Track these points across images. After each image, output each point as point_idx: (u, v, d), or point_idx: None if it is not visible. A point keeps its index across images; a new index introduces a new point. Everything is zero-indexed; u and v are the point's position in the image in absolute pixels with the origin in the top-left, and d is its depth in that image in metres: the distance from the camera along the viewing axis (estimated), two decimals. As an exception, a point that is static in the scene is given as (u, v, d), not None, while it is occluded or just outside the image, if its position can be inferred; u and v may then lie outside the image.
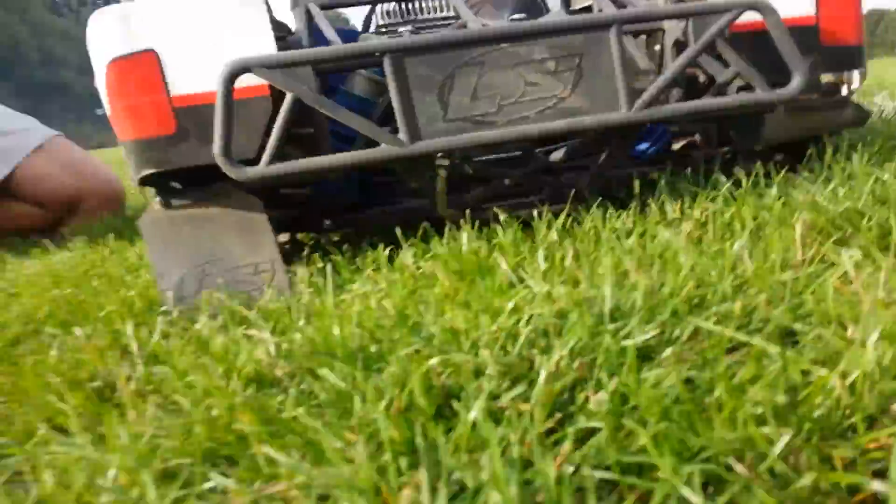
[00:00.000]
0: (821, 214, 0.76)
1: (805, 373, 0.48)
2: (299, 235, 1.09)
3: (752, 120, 0.99)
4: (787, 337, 0.59)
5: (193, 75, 0.81)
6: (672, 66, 0.85)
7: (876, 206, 0.80)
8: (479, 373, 0.54)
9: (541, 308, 0.62)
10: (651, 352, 0.56)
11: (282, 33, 0.92)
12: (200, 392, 0.62)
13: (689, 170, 1.03)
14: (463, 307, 0.71)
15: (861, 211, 0.77)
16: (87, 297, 0.96)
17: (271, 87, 0.81)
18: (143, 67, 0.80)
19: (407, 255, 0.90)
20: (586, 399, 0.49)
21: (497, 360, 0.55)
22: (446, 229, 0.91)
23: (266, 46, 0.81)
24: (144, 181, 0.87)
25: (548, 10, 1.46)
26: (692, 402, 0.46)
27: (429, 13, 1.28)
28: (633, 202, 0.94)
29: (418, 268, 0.87)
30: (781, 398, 0.44)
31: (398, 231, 0.92)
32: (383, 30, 1.24)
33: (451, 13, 1.20)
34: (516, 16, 1.12)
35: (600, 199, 0.98)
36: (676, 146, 1.17)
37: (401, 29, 1.10)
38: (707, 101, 0.85)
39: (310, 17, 1.03)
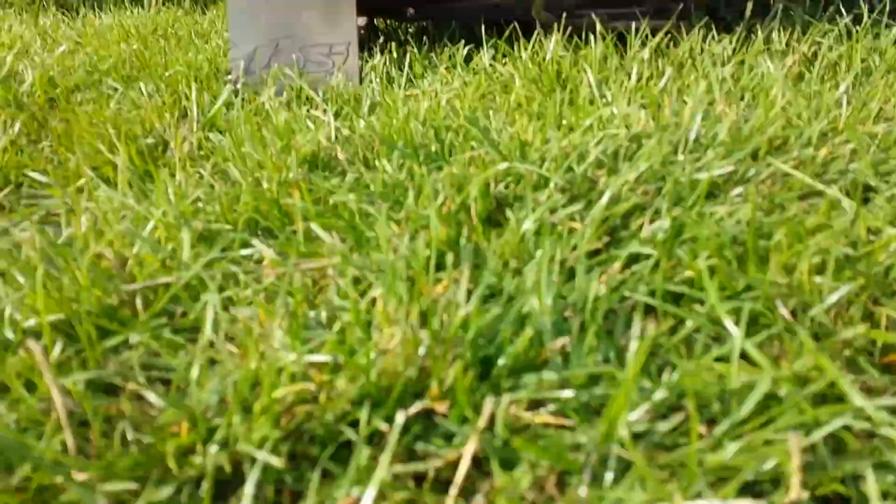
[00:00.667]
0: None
1: (872, 231, 0.45)
2: (377, 21, 1.04)
3: None
4: (865, 191, 0.54)
5: None
6: None
7: None
8: (539, 187, 0.52)
9: (616, 129, 0.58)
10: (721, 189, 0.52)
11: None
12: (253, 163, 0.61)
13: None
14: (535, 118, 0.67)
15: None
16: (153, 56, 0.94)
17: None
18: None
19: (485, 56, 0.85)
20: (640, 226, 0.47)
21: (561, 176, 0.53)
22: (535, 34, 0.85)
23: None
24: None
25: None
26: (751, 242, 0.43)
27: None
28: (741, 26, 0.87)
29: (495, 70, 0.83)
30: (842, 251, 0.41)
31: (482, 28, 0.87)
32: None
33: None
34: None
35: (706, 18, 0.90)
36: None
37: None
38: None
39: None
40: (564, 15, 0.87)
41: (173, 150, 0.66)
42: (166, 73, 0.83)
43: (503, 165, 0.50)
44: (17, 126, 0.72)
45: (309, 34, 0.85)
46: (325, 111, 0.72)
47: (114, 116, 0.70)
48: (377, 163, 0.59)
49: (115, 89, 0.82)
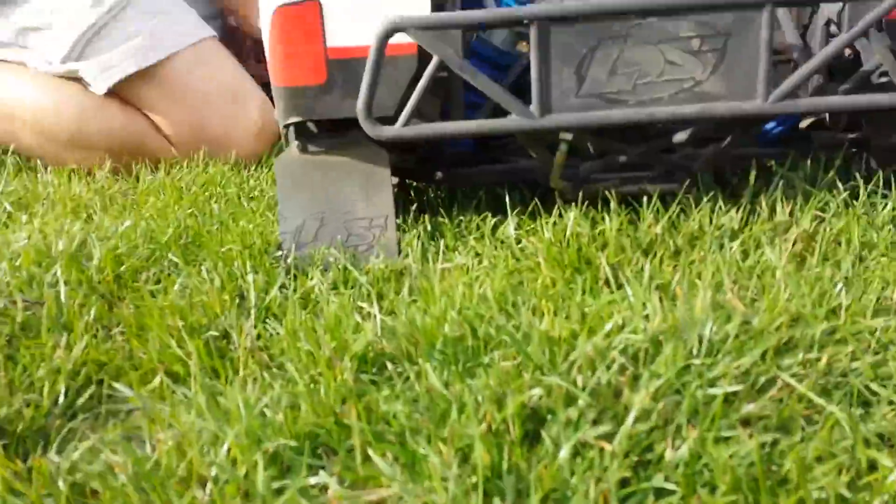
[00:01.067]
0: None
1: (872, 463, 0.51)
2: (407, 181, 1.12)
3: (889, 114, 0.95)
4: (870, 393, 0.60)
5: (350, 28, 0.84)
6: (817, 56, 0.81)
7: None
8: (569, 398, 0.58)
9: (635, 332, 0.64)
10: (735, 397, 0.59)
11: None
12: (309, 360, 0.69)
13: (809, 159, 1.00)
14: (560, 305, 0.74)
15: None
16: (207, 224, 1.03)
17: (419, 47, 0.83)
18: (307, 16, 0.83)
19: (510, 227, 0.93)
20: (664, 449, 0.53)
21: (587, 381, 0.59)
22: (555, 206, 0.93)
23: (422, 7, 0.83)
24: (288, 126, 0.91)
25: None
26: (764, 473, 0.49)
27: None
28: (745, 191, 0.94)
29: (518, 241, 0.91)
30: (844, 490, 0.47)
31: (506, 199, 0.95)
32: None
33: None
34: None
35: (711, 182, 0.97)
36: (804, 124, 1.13)
37: None
38: (847, 99, 0.82)
39: None
40: (579, 182, 0.95)
41: (236, 343, 0.74)
42: (221, 250, 0.91)
43: (536, 391, 0.57)
44: (91, 313, 0.80)
45: (351, 208, 0.94)
46: (370, 299, 0.79)
47: (180, 307, 0.78)
48: (419, 360, 0.66)
49: (176, 265, 0.91)
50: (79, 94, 1.35)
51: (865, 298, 0.70)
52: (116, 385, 0.68)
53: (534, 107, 0.81)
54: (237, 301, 0.81)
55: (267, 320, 0.78)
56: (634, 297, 0.72)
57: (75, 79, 1.34)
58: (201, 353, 0.71)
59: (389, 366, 0.66)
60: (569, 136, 0.87)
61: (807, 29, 0.98)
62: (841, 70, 0.96)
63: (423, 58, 0.83)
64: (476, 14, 0.82)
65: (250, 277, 0.83)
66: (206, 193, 1.17)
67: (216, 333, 0.75)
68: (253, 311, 0.78)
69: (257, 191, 1.19)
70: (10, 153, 1.42)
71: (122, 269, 0.89)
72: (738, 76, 0.80)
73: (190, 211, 1.08)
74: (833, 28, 0.88)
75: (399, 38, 0.80)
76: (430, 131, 0.84)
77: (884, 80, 0.86)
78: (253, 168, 1.33)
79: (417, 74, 0.84)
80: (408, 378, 0.65)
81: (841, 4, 0.84)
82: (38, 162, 1.38)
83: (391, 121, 0.84)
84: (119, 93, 1.35)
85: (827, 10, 0.89)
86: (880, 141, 0.98)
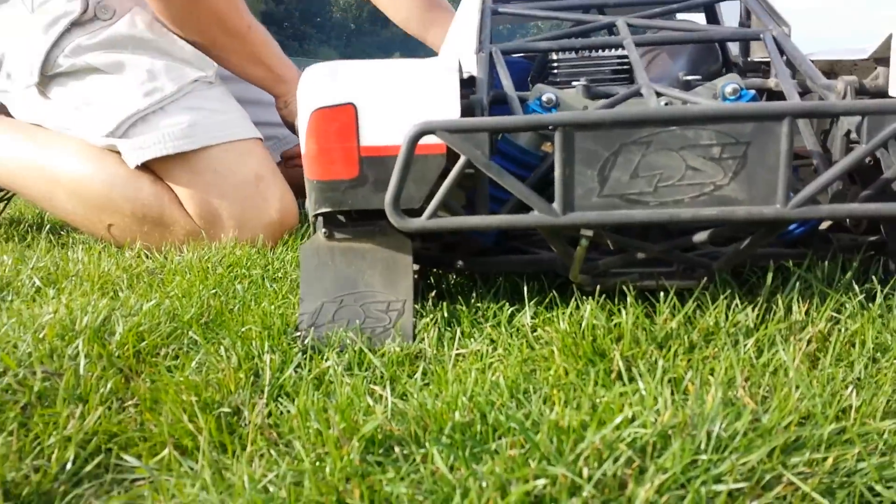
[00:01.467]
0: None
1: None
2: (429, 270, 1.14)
3: None
4: (872, 495, 0.59)
5: (382, 129, 0.89)
6: (836, 166, 0.83)
7: None
8: (573, 488, 0.58)
9: (644, 426, 0.64)
10: (739, 493, 0.58)
11: (466, 90, 0.98)
12: (317, 439, 0.69)
13: (827, 260, 1.01)
14: (571, 394, 0.74)
15: None
16: (230, 302, 1.05)
17: (448, 146, 0.86)
18: (342, 118, 0.88)
19: (526, 316, 0.94)
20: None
21: (593, 479, 0.59)
22: (572, 298, 0.94)
23: (451, 112, 0.88)
24: (318, 216, 0.95)
25: (724, 56, 1.44)
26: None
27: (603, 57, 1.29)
28: (762, 290, 0.94)
29: (534, 330, 0.91)
30: None
31: (524, 288, 0.96)
32: (555, 67, 1.27)
33: (626, 58, 1.20)
34: (690, 77, 1.11)
35: (729, 279, 0.98)
36: (824, 225, 1.14)
37: (574, 83, 1.12)
38: (865, 206, 0.83)
39: (492, 64, 1.08)
40: (599, 276, 0.97)
41: (247, 419, 0.74)
42: (241, 329, 0.93)
43: (541, 480, 0.57)
44: (108, 386, 0.81)
45: (370, 291, 0.96)
46: (382, 381, 0.80)
47: (195, 383, 0.79)
48: (427, 444, 0.66)
49: (196, 342, 0.92)
50: (115, 164, 1.48)
51: (876, 400, 0.70)
52: (125, 456, 0.69)
53: (557, 204, 0.83)
54: (252, 379, 0.82)
55: (280, 398, 0.79)
56: (646, 390, 0.72)
57: (114, 150, 1.43)
58: (211, 428, 0.71)
59: (396, 448, 0.66)
60: (590, 233, 0.88)
61: (827, 134, 1.00)
62: (861, 175, 0.98)
63: (452, 156, 0.86)
64: (504, 120, 0.85)
65: (266, 357, 0.84)
66: (231, 274, 1.20)
67: (228, 410, 0.75)
68: (266, 389, 0.79)
69: (280, 273, 1.21)
70: (44, 230, 1.48)
71: (143, 344, 0.91)
72: (758, 182, 0.82)
73: (214, 291, 1.10)
74: (853, 135, 0.90)
75: (429, 139, 0.84)
76: (454, 224, 0.86)
77: None
78: (279, 251, 1.36)
79: (445, 171, 0.87)
80: (414, 461, 0.65)
81: (861, 116, 0.86)
82: (70, 239, 1.44)
83: (417, 213, 0.86)
84: (151, 167, 1.44)
85: (847, 122, 0.91)
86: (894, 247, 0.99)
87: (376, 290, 0.95)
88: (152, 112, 1.43)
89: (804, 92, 1.04)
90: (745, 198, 0.83)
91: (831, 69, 1.10)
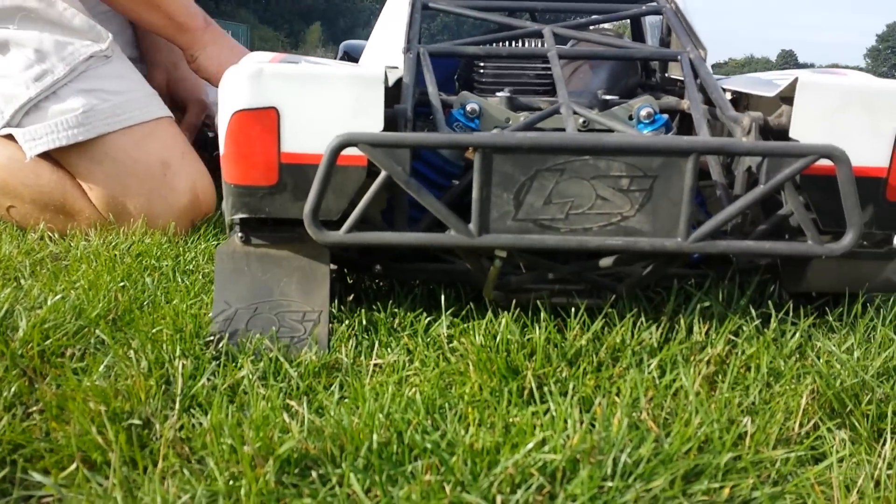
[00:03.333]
0: (829, 388, 0.80)
1: None
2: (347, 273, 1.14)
3: (798, 261, 1.02)
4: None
5: (304, 136, 0.88)
6: (735, 204, 0.87)
7: (885, 378, 0.84)
8: (486, 516, 0.60)
9: (555, 444, 0.67)
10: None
11: (392, 91, 0.98)
12: (230, 456, 0.69)
13: (726, 279, 1.06)
14: (485, 413, 0.76)
15: (869, 384, 0.81)
16: (139, 297, 1.03)
17: (369, 160, 0.86)
18: (264, 122, 0.86)
19: (442, 326, 0.95)
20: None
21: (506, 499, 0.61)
22: (487, 314, 0.96)
23: (375, 124, 0.88)
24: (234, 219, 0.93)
25: (645, 70, 1.48)
26: None
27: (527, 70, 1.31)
28: (665, 309, 0.99)
29: (450, 341, 0.93)
30: None
31: (441, 297, 0.98)
32: (481, 71, 1.28)
33: (549, 71, 1.23)
34: (608, 97, 1.15)
35: (635, 299, 1.02)
36: None
37: (498, 93, 1.13)
38: (759, 244, 0.87)
39: (419, 64, 1.07)
40: (511, 292, 0.99)
41: (158, 432, 0.73)
42: (152, 331, 0.91)
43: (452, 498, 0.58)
44: (11, 389, 0.78)
45: (286, 300, 0.95)
46: (298, 395, 0.80)
47: (104, 390, 0.77)
48: (344, 465, 0.67)
49: (103, 342, 0.90)
50: (13, 150, 1.38)
51: (769, 428, 0.75)
52: (31, 472, 0.67)
53: (473, 225, 0.84)
54: (163, 387, 0.81)
55: (192, 409, 0.78)
56: (556, 412, 0.75)
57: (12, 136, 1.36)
58: (121, 442, 0.70)
59: (313, 471, 0.67)
60: (503, 254, 0.91)
61: (732, 162, 1.05)
62: (761, 204, 1.03)
63: (372, 169, 0.86)
64: (426, 138, 0.85)
65: (178, 363, 0.83)
66: (141, 265, 1.17)
67: (138, 422, 0.74)
68: (178, 400, 0.78)
69: (193, 265, 1.19)
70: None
71: (48, 343, 0.88)
72: (662, 215, 0.86)
73: (122, 284, 1.07)
74: (754, 170, 0.95)
75: (350, 150, 0.84)
76: (372, 240, 0.86)
77: (796, 222, 0.92)
78: (191, 239, 1.33)
79: (365, 184, 0.87)
80: (331, 483, 0.66)
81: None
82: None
83: (336, 224, 0.86)
84: (52, 155, 1.36)
85: (749, 159, 0.96)
86: (788, 270, 1.05)
87: (292, 300, 0.95)
88: (45, 98, 1.33)
89: (713, 119, 1.09)
90: (649, 230, 0.87)
91: (739, 98, 1.15)
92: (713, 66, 1.29)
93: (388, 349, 0.92)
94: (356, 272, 1.10)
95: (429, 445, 0.69)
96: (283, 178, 0.88)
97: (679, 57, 1.16)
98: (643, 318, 0.97)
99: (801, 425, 0.77)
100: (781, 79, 1.00)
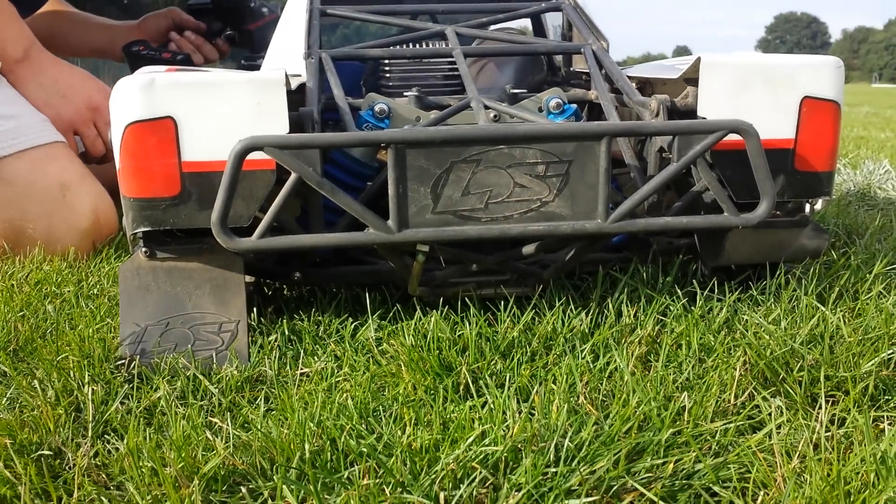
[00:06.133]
0: (760, 358, 0.80)
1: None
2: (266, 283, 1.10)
3: (716, 236, 1.03)
4: (710, 495, 0.63)
5: (206, 144, 0.84)
6: (650, 183, 0.87)
7: (813, 344, 0.85)
8: (430, 514, 0.57)
9: (495, 436, 0.65)
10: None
11: (296, 97, 0.94)
12: (150, 478, 0.64)
13: (648, 262, 1.06)
14: (422, 412, 0.73)
15: (798, 352, 0.82)
16: (40, 326, 0.96)
17: (277, 164, 0.82)
18: (160, 132, 0.82)
19: (370, 330, 0.92)
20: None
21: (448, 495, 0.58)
22: (417, 304, 0.93)
23: (280, 127, 0.84)
24: (137, 235, 0.88)
25: (549, 65, 1.48)
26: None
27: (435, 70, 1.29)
28: (594, 295, 0.98)
29: (379, 344, 0.90)
30: None
31: (366, 300, 0.95)
32: (387, 73, 1.25)
33: (456, 70, 1.21)
34: (517, 90, 1.14)
35: (563, 287, 1.01)
36: None
37: (406, 93, 1.11)
38: (677, 219, 0.88)
39: (321, 69, 1.04)
40: (438, 287, 0.97)
41: (71, 461, 0.68)
42: (57, 358, 0.85)
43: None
44: None
45: (199, 313, 0.90)
46: (221, 411, 0.76)
47: (8, 422, 0.71)
48: (275, 478, 0.63)
49: (5, 374, 0.83)
50: None
51: (706, 402, 0.74)
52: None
53: (391, 222, 0.82)
54: (73, 415, 0.75)
55: (106, 435, 0.73)
56: (494, 405, 0.72)
57: None
58: (32, 475, 0.64)
59: (242, 486, 0.63)
60: (425, 248, 0.88)
61: (643, 145, 1.05)
62: (675, 183, 1.04)
63: (282, 171, 0.83)
64: (335, 137, 0.82)
65: (88, 389, 0.77)
66: (41, 293, 1.09)
67: (49, 452, 0.68)
68: (91, 426, 0.72)
69: (97, 289, 1.12)
70: None
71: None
72: (580, 198, 0.85)
73: (21, 313, 1.00)
74: (665, 151, 0.95)
75: (257, 154, 0.80)
76: (286, 244, 0.83)
77: (710, 198, 0.93)
78: (93, 263, 1.26)
79: (276, 189, 0.83)
80: (262, 497, 0.62)
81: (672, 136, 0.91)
82: None
83: (247, 231, 0.82)
84: None
85: (660, 139, 0.97)
86: (707, 260, 1.06)
87: (206, 311, 0.90)
88: None
89: (621, 105, 1.10)
90: (568, 213, 0.86)
91: (644, 85, 1.16)
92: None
93: (315, 357, 0.88)
94: (275, 281, 1.06)
95: (365, 449, 0.65)
96: (186, 187, 0.84)
97: (583, 49, 1.16)
98: (572, 306, 0.96)
99: (736, 396, 0.77)
100: (682, 63, 1.02)
